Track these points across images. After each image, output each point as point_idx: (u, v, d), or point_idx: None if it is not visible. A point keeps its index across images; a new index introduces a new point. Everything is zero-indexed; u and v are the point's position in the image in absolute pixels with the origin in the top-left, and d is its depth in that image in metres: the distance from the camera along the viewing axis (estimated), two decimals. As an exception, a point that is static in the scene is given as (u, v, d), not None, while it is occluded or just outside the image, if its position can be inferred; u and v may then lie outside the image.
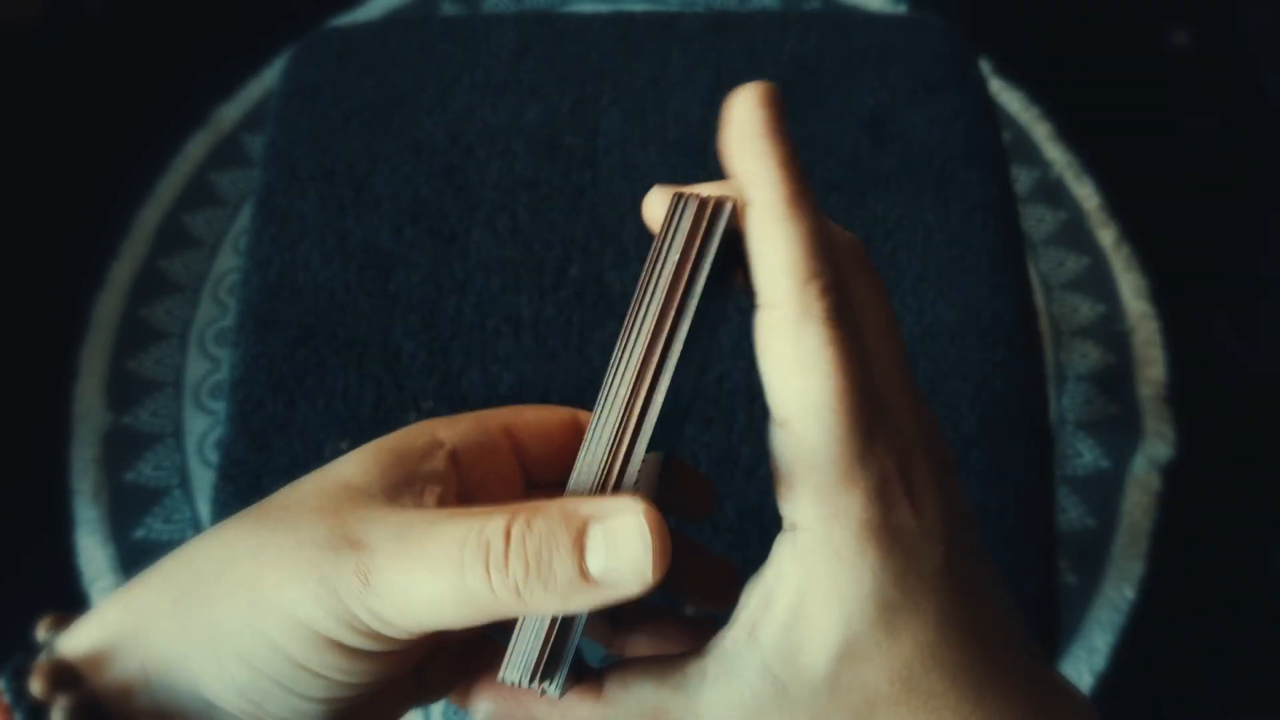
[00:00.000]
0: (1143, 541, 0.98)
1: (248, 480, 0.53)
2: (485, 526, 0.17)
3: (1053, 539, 0.54)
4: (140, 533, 0.98)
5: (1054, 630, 0.53)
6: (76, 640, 0.20)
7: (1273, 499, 1.00)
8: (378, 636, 0.18)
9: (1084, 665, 0.92)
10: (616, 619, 0.25)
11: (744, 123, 0.19)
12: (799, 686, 0.18)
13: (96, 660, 0.19)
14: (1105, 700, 0.91)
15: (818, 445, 0.17)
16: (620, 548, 0.17)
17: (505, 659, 0.19)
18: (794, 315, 0.18)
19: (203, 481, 1.00)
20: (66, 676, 0.19)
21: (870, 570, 0.17)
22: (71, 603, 0.94)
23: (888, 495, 0.18)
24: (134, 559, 0.97)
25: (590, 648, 0.23)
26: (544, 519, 0.17)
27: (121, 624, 0.20)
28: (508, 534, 0.17)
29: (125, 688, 0.19)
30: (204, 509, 0.99)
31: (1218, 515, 0.99)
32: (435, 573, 0.17)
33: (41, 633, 0.21)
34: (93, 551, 0.97)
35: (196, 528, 0.98)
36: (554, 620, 0.18)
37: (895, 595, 0.17)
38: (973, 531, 0.20)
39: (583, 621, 0.19)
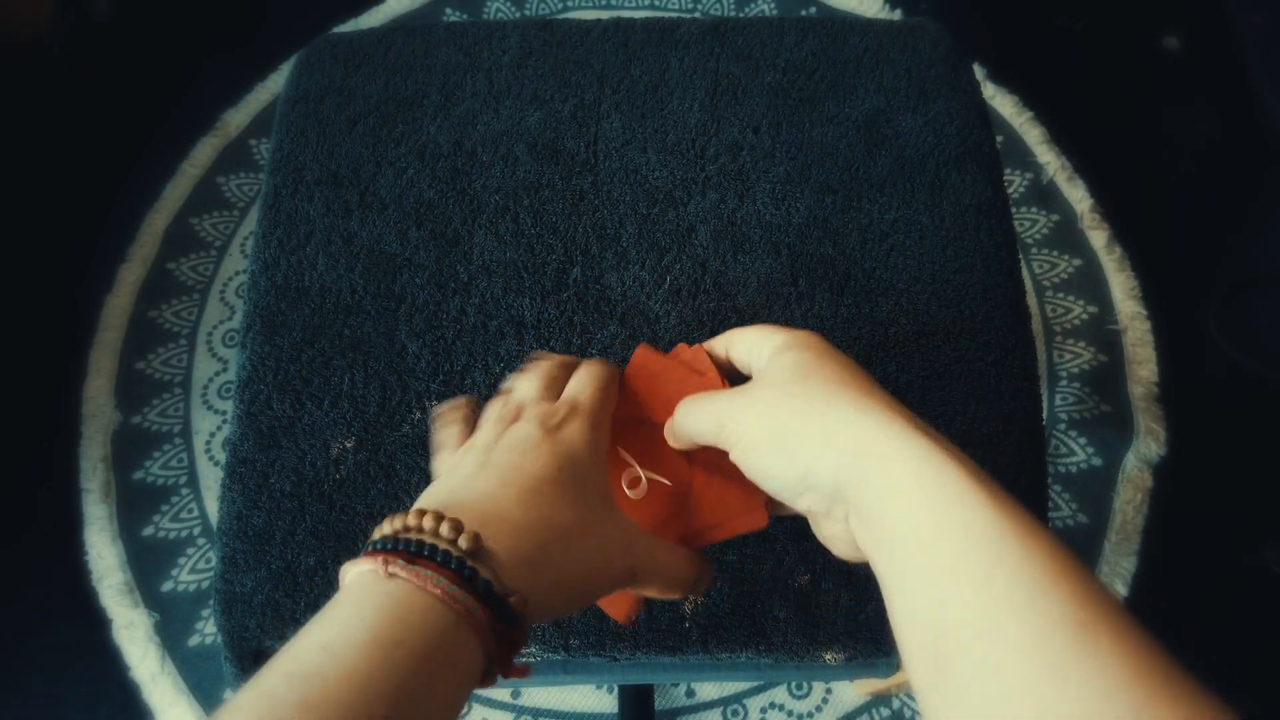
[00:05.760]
0: (1135, 538, 0.98)
1: (255, 479, 0.54)
2: (692, 573, 0.36)
3: (1044, 535, 0.55)
4: (148, 530, 0.99)
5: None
6: (485, 539, 0.29)
7: (1263, 495, 1.01)
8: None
9: (1079, 661, 0.93)
10: None
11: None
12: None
13: (528, 584, 0.29)
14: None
15: (703, 432, 0.36)
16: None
17: None
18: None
19: (210, 480, 1.01)
20: (525, 601, 0.29)
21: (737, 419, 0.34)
22: (81, 600, 0.96)
23: (722, 416, 0.35)
24: (142, 556, 0.98)
25: None
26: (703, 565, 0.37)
27: (509, 551, 0.29)
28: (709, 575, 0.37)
29: (536, 606, 0.29)
30: (211, 507, 1.00)
31: (1209, 512, 1.00)
32: (664, 589, 0.35)
33: (443, 527, 0.29)
34: (102, 549, 0.98)
35: (205, 526, 0.99)
36: None
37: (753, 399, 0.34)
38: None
39: None
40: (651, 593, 0.35)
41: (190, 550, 0.98)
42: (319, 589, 0.52)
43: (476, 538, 0.28)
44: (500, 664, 0.28)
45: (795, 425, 0.32)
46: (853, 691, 0.92)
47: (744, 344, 0.38)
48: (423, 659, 0.25)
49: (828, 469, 0.30)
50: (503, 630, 0.28)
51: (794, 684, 0.92)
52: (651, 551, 0.34)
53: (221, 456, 1.02)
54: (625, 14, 1.02)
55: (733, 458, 0.34)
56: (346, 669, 0.24)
